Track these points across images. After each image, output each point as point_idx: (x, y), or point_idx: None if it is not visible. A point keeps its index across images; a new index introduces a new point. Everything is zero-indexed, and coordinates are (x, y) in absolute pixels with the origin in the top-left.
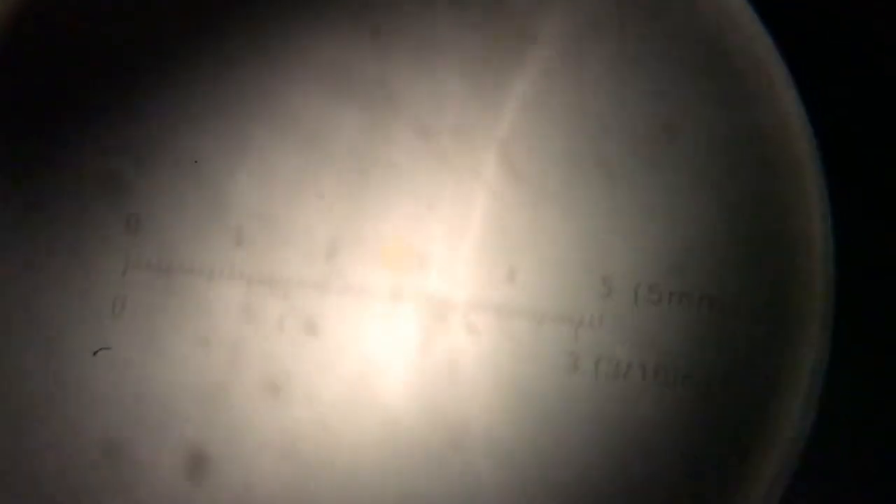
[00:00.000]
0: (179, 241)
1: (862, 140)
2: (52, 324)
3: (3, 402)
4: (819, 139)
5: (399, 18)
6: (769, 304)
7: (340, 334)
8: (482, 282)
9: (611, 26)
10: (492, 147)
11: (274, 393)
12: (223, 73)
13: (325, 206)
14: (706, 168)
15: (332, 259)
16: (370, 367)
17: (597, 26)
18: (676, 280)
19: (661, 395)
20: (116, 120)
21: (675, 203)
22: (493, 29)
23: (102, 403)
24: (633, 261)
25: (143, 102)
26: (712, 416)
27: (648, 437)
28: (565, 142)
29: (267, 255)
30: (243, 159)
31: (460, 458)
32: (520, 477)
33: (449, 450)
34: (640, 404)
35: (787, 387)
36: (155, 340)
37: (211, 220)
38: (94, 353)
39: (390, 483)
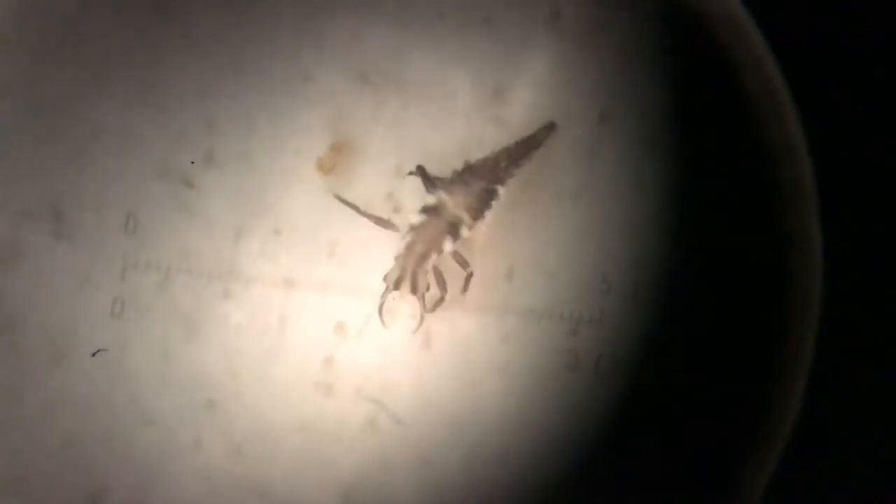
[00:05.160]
0: (178, 241)
1: (858, 143)
2: (53, 324)
3: (3, 402)
4: (815, 141)
5: None
6: (766, 301)
7: (342, 332)
8: (482, 280)
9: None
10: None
11: (280, 389)
12: (222, 77)
13: (325, 207)
14: (703, 168)
15: (332, 258)
16: (371, 364)
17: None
18: (675, 277)
19: (662, 391)
20: (114, 123)
21: (672, 202)
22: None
23: (99, 402)
24: (632, 258)
25: (143, 104)
26: (713, 412)
27: (650, 433)
28: (564, 140)
29: (268, 256)
30: (243, 159)
31: (462, 454)
32: (523, 472)
33: (451, 446)
34: (640, 400)
35: (783, 381)
36: (154, 341)
37: (210, 220)
38: (93, 355)
39: (395, 475)
